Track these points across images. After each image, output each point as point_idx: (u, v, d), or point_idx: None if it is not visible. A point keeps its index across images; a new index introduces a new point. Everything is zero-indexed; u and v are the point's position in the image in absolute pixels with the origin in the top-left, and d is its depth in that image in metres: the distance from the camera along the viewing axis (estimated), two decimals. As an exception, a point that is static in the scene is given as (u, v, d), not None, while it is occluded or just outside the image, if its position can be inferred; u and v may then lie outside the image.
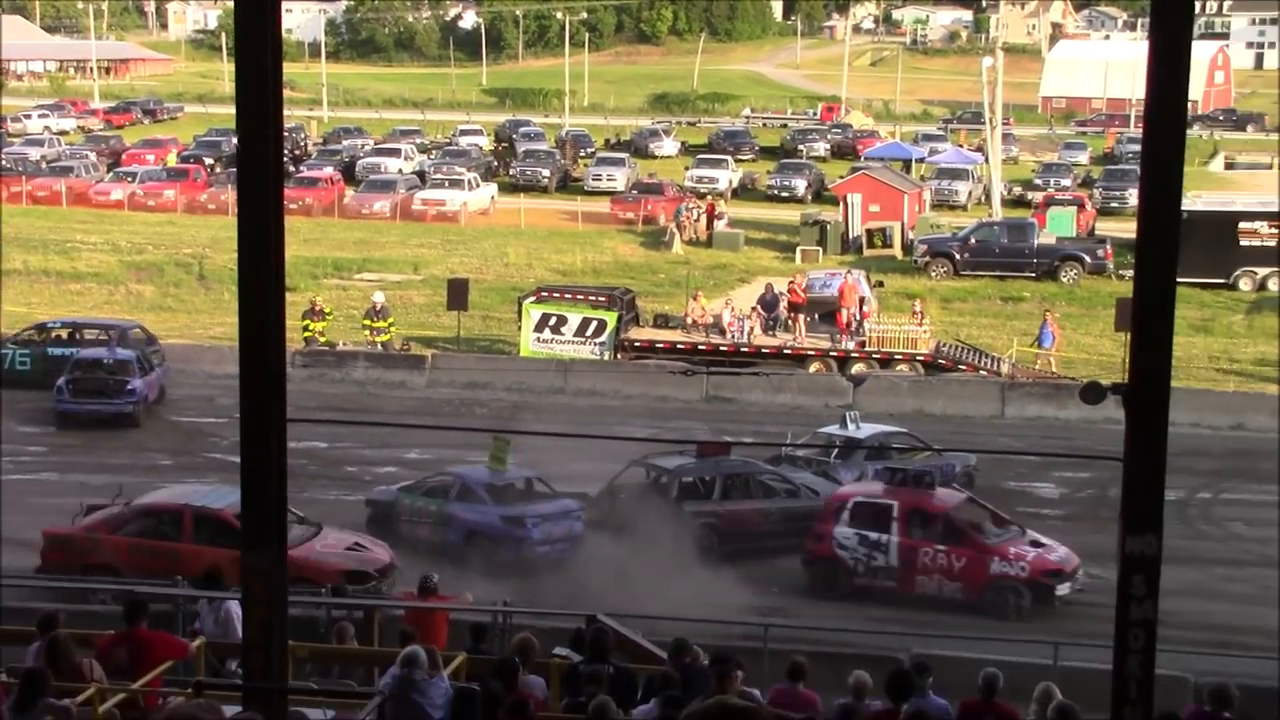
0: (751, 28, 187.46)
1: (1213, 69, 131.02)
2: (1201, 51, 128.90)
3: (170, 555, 21.96)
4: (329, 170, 68.24)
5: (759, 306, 40.53)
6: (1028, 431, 33.88)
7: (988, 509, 25.21)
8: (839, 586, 24.20)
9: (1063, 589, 23.60)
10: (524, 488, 25.85)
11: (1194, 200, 51.74)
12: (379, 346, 39.54)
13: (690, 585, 22.41)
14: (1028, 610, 23.35)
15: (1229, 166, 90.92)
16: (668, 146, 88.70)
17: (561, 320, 39.43)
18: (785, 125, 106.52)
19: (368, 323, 39.94)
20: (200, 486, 25.13)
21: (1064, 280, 50.00)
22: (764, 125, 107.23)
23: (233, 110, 9.57)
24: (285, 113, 9.67)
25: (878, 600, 23.78)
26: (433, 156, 76.62)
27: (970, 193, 68.00)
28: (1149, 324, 9.63)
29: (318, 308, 39.99)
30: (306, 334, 39.21)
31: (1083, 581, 23.83)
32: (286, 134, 71.21)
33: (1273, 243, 49.30)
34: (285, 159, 65.79)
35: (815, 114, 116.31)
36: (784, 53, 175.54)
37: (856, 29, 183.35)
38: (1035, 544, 24.23)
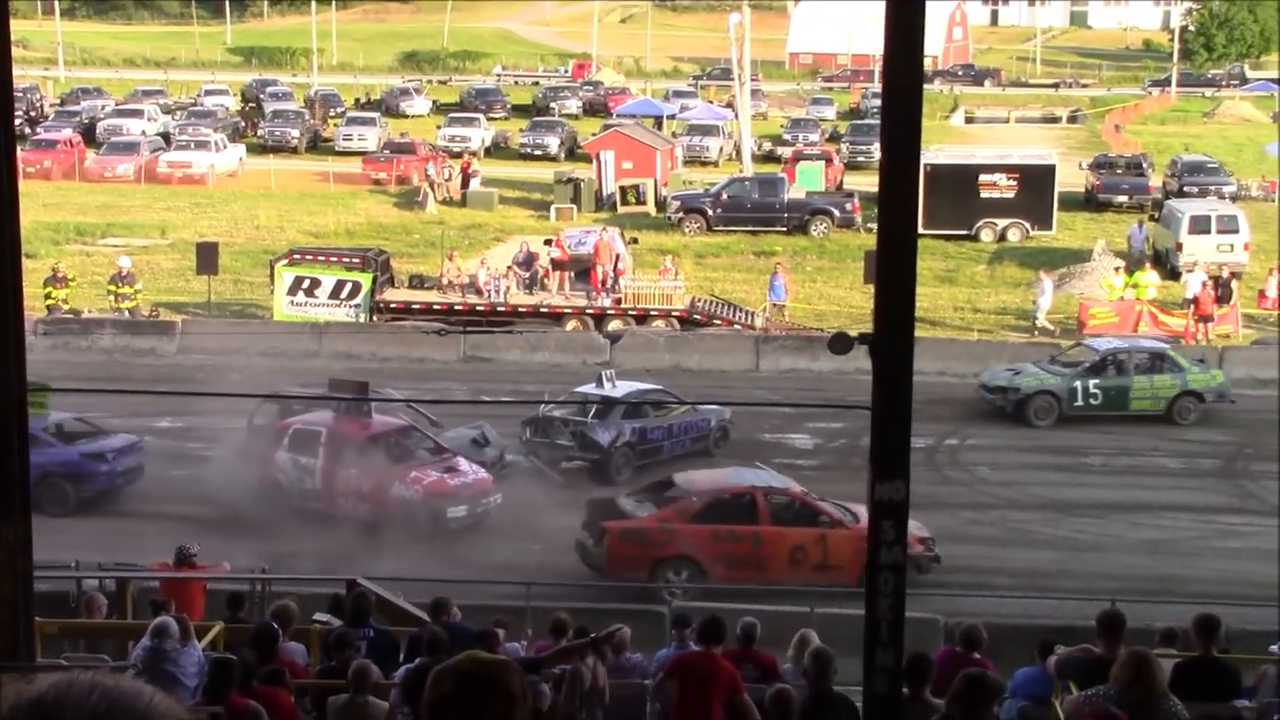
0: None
1: (951, 25, 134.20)
2: (940, 8, 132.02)
3: (752, 539, 21.62)
4: (68, 132, 66.02)
5: (515, 265, 40.50)
6: (782, 384, 34.43)
7: (431, 438, 26.02)
8: (277, 509, 24.45)
9: (455, 511, 24.35)
10: (56, 431, 26.04)
11: (936, 154, 53.13)
12: (125, 313, 38.55)
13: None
14: (422, 531, 23.95)
15: (969, 120, 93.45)
16: (419, 105, 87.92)
17: (315, 283, 38.90)
18: (537, 83, 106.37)
19: (113, 288, 38.88)
20: (721, 470, 24.79)
21: (814, 234, 50.93)
22: (516, 83, 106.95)
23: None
24: (18, 73, 9.35)
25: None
26: (177, 117, 74.67)
27: (721, 149, 68.78)
28: (892, 275, 9.86)
29: (60, 274, 38.87)
30: (49, 301, 38.04)
31: (490, 505, 24.78)
32: (20, 95, 68.44)
33: (1011, 194, 50.84)
34: (20, 120, 63.29)
35: (567, 71, 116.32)
36: (535, 9, 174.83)
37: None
38: (450, 470, 25.00)
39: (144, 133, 68.73)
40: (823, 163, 60.60)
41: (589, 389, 29.14)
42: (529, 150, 70.08)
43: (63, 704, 2.39)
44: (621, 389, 28.79)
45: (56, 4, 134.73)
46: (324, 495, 24.90)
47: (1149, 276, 41.14)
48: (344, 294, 38.72)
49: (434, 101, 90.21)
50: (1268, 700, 11.49)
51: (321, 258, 40.14)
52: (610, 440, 27.55)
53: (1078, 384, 31.28)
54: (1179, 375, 31.56)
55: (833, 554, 21.56)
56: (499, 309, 38.88)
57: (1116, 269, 42.12)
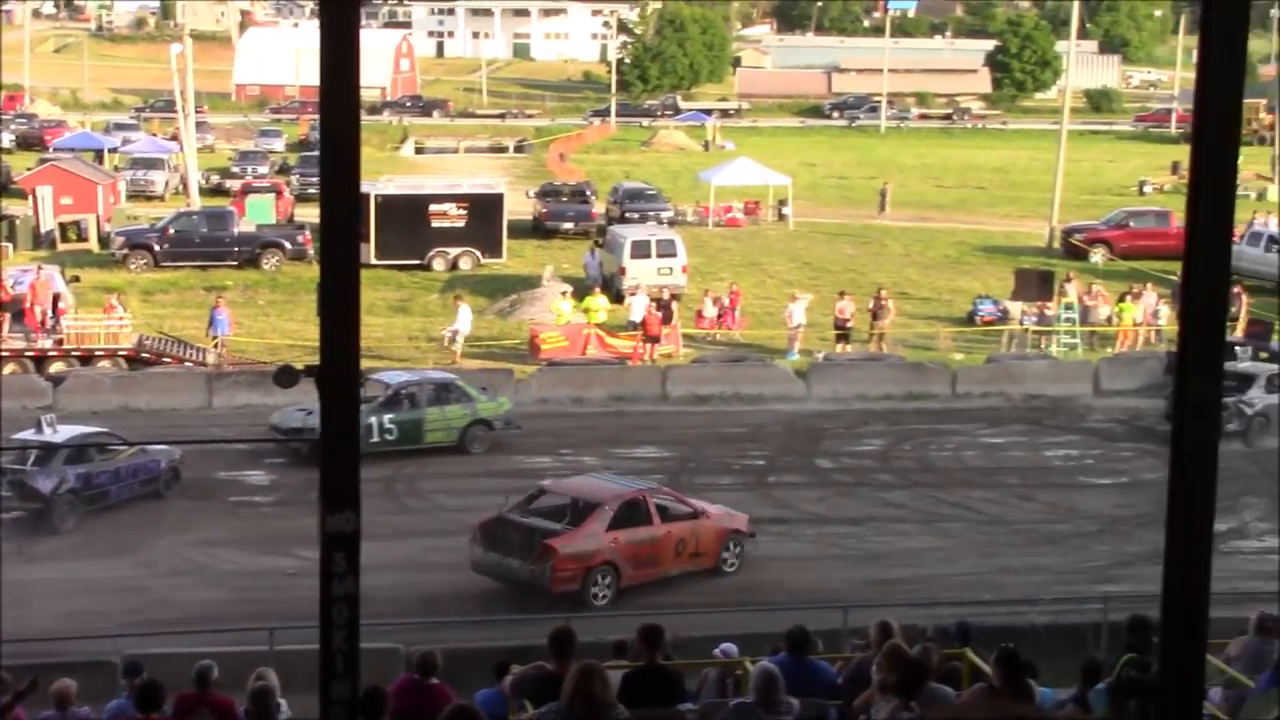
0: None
1: (398, 57, 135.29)
2: (387, 40, 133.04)
3: (649, 540, 23.80)
4: None
5: (-56, 308, 38.35)
6: (237, 420, 33.74)
7: None
8: None
9: None
10: None
11: (386, 185, 53.39)
12: None
13: None
14: None
15: (419, 151, 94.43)
16: None
17: None
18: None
19: None
20: (583, 477, 26.65)
21: (266, 267, 50.27)
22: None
23: None
24: None
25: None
26: None
27: (167, 182, 67.18)
28: (335, 307, 9.79)
29: None
30: None
31: None
32: None
33: (462, 223, 51.57)
34: None
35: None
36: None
37: (36, 14, 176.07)
38: None
39: None
40: (273, 195, 60.01)
41: (28, 435, 27.76)
42: (-43, 187, 66.51)
43: None
44: (64, 433, 27.54)
45: None
46: None
47: (599, 301, 42.57)
48: None
49: None
50: (709, 701, 12.06)
51: None
52: (52, 487, 26.33)
53: (373, 420, 30.46)
54: (469, 405, 31.81)
55: (701, 543, 24.40)
56: (-73, 356, 36.67)
57: (564, 294, 43.40)
